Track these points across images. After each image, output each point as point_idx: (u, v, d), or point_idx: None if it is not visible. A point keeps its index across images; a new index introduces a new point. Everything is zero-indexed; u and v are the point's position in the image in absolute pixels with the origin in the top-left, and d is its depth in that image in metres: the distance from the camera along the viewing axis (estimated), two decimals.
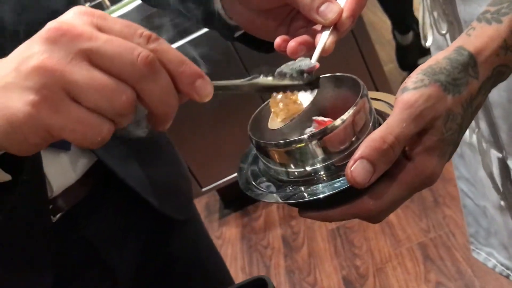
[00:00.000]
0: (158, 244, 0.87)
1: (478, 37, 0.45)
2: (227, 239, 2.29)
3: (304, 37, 0.53)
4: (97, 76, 0.35)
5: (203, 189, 2.22)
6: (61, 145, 0.71)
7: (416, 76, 0.43)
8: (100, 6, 2.00)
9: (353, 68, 2.14)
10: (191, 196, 0.96)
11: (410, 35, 2.58)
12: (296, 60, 0.46)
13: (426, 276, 1.71)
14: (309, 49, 0.53)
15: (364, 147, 0.41)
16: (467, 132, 0.77)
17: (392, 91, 2.24)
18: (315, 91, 0.47)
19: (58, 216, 0.73)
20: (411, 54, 2.58)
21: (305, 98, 0.49)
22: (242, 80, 0.43)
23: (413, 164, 0.43)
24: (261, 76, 0.44)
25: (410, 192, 0.44)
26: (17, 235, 0.69)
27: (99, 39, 0.35)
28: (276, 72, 0.46)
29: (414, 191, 0.44)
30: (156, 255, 0.87)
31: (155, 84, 0.36)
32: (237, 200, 2.39)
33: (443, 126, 0.42)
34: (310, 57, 0.49)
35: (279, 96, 0.47)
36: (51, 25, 0.36)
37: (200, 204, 2.56)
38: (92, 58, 0.35)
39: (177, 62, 0.37)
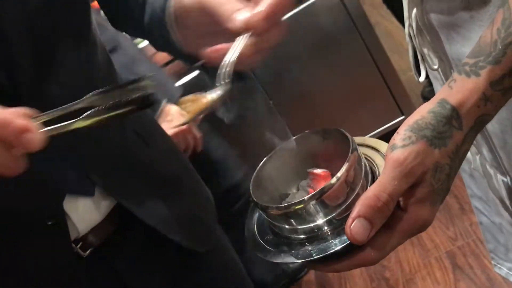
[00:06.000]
0: (185, 274, 0.90)
1: (459, 90, 0.48)
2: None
3: (219, 46, 0.55)
4: None
5: None
6: (86, 192, 0.76)
7: (404, 133, 0.46)
8: None
9: (368, 79, 2.15)
10: (214, 225, 0.98)
11: None
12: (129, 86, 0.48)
13: (456, 285, 1.71)
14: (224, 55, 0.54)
15: (360, 205, 0.44)
16: (471, 157, 0.80)
17: (410, 100, 2.25)
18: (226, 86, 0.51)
19: (88, 251, 0.77)
20: None
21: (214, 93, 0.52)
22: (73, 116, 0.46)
23: (408, 215, 0.46)
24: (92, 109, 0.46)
25: (406, 239, 0.47)
26: (44, 272, 0.74)
27: None
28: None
29: (410, 237, 0.48)
30: (183, 284, 0.90)
31: None
32: None
33: (432, 179, 0.46)
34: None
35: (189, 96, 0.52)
36: None
37: None
38: None
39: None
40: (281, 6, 0.53)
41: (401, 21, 2.62)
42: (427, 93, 2.55)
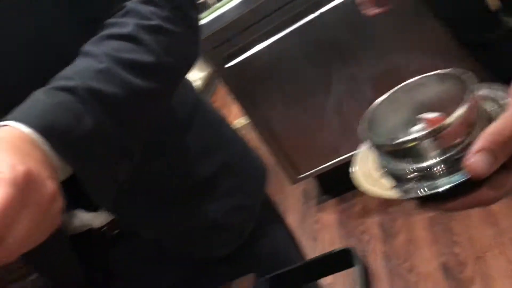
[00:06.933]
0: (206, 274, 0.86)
1: None
2: (325, 224, 2.36)
3: None
4: None
5: (301, 176, 2.29)
6: (87, 209, 0.75)
7: None
8: (203, 4, 2.11)
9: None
10: (246, 225, 0.87)
11: None
12: None
13: None
14: None
15: (483, 140, 0.42)
16: None
17: None
18: None
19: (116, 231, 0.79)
20: None
21: None
22: None
23: None
24: None
25: None
26: None
27: None
28: None
29: None
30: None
31: None
32: (334, 186, 2.43)
33: None
34: None
35: None
36: None
37: (298, 190, 2.64)
38: None
39: None
40: None
41: None
42: None
